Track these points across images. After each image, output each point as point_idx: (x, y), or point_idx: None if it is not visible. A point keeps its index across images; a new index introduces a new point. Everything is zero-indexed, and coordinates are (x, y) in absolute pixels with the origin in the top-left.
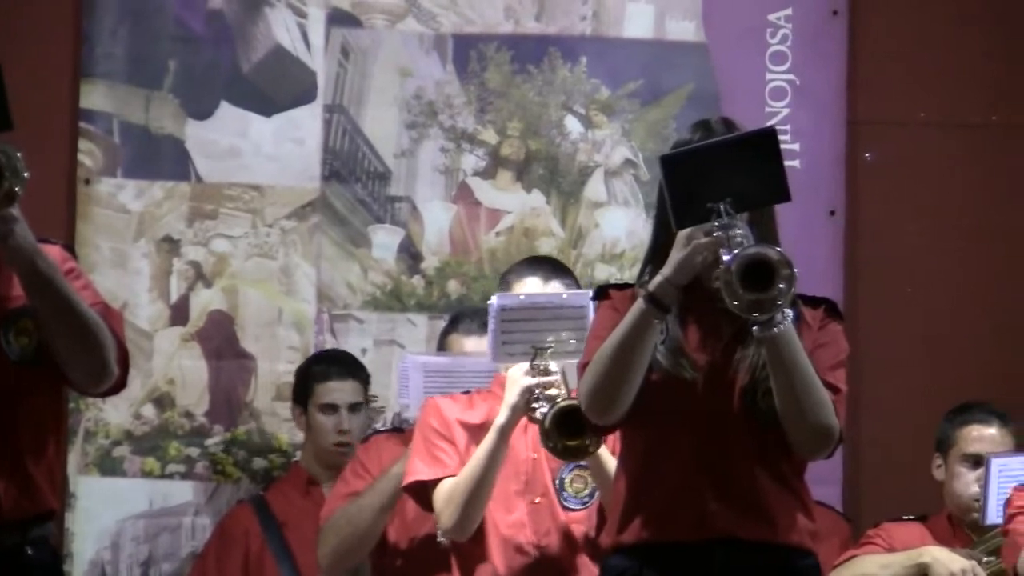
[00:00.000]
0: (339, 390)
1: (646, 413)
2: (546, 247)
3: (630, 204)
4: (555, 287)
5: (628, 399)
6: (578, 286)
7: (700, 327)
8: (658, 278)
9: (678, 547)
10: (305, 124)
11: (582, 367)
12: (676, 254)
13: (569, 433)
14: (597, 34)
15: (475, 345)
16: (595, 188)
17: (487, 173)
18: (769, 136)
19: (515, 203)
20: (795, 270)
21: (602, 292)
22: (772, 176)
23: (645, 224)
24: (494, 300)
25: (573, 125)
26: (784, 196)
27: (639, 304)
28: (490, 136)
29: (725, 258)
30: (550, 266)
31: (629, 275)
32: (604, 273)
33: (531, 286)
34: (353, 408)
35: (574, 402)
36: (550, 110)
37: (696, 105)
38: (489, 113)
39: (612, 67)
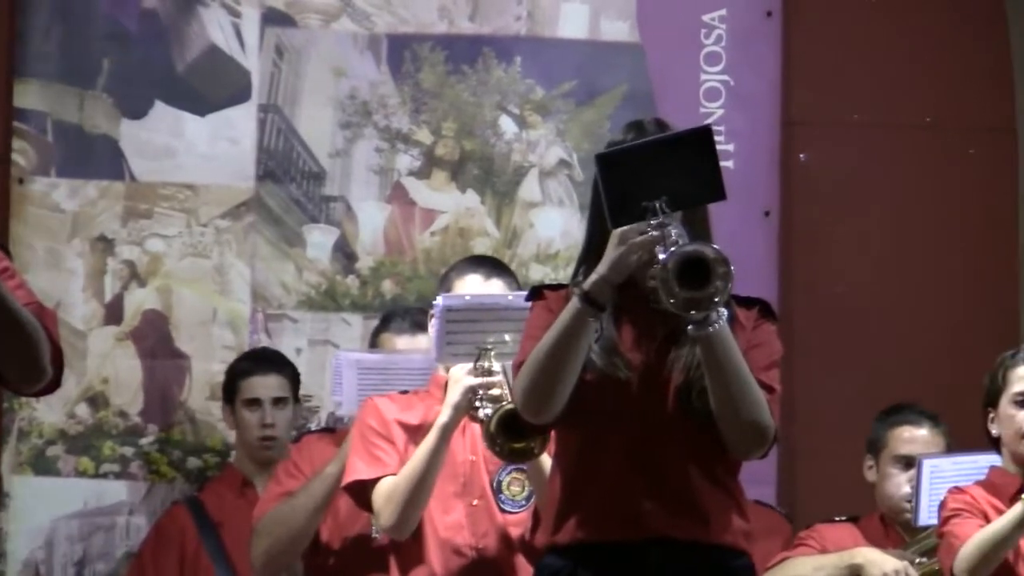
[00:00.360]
0: (262, 385)
1: (580, 413)
2: (481, 247)
3: (564, 204)
4: (496, 285)
5: (563, 398)
6: (518, 284)
7: (634, 327)
8: (593, 277)
9: (612, 547)
10: (239, 124)
11: (517, 366)
12: (611, 253)
13: (515, 436)
14: (532, 34)
15: (406, 344)
16: (530, 188)
17: (422, 173)
18: (705, 135)
19: (450, 203)
20: (732, 268)
21: (536, 292)
22: (708, 175)
23: (580, 224)
24: (439, 301)
25: (508, 125)
26: (720, 195)
27: (574, 303)
28: (424, 136)
29: (661, 256)
30: (491, 264)
31: (563, 275)
32: (538, 273)
33: (472, 283)
34: (277, 403)
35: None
36: (484, 110)
37: (630, 105)
38: (423, 113)
39: (547, 67)
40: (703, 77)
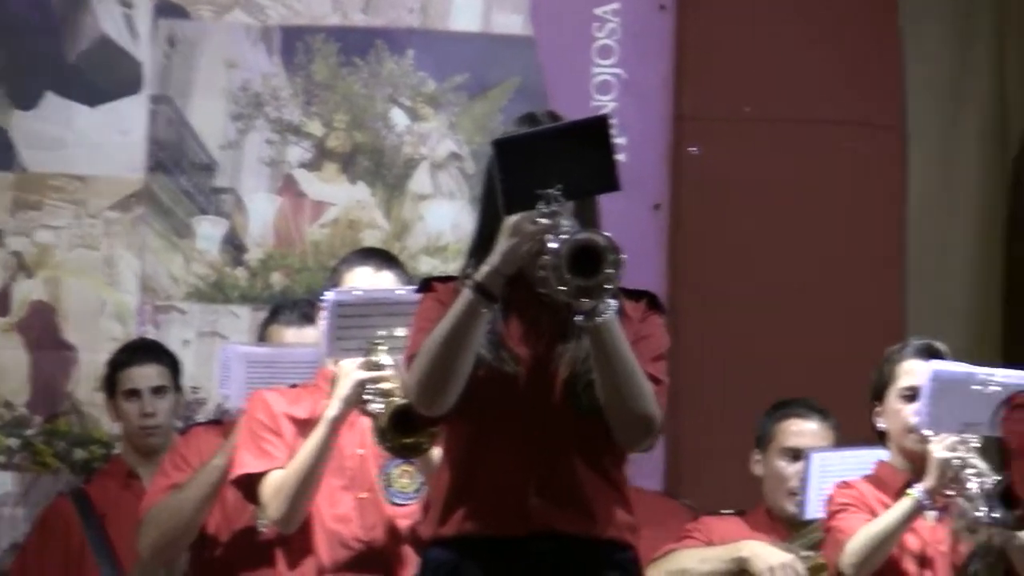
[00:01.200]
0: (140, 375)
1: (469, 407)
2: (370, 239)
3: (455, 197)
4: (386, 277)
5: (457, 390)
6: (408, 277)
7: (522, 321)
8: (485, 267)
9: (498, 541)
10: (130, 115)
11: (408, 359)
12: (503, 243)
13: (405, 431)
14: (424, 27)
15: (295, 336)
16: (420, 181)
17: (312, 165)
18: (601, 124)
19: (340, 195)
20: (623, 256)
21: (426, 284)
22: (603, 165)
23: (470, 217)
24: (329, 295)
25: (399, 118)
26: (614, 185)
27: (466, 294)
28: (316, 128)
29: (552, 245)
30: (381, 257)
31: (453, 268)
32: (428, 266)
33: (362, 276)
34: (157, 392)
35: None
36: (376, 102)
37: (523, 98)
38: (315, 105)
39: (439, 60)
40: (595, 70)
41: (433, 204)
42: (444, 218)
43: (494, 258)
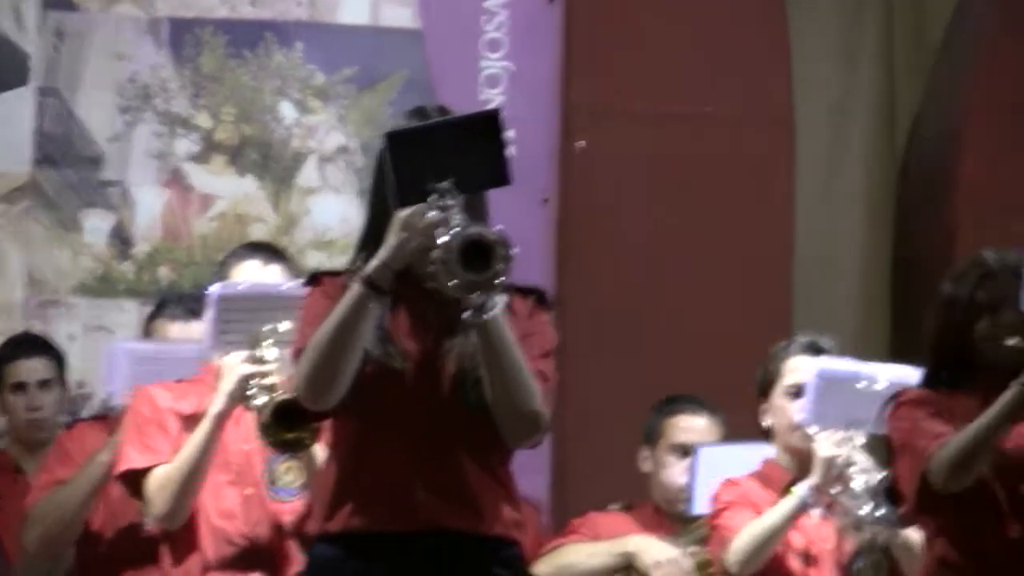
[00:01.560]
0: (26, 369)
1: (356, 402)
2: (258, 233)
3: (343, 191)
4: (274, 271)
5: (344, 385)
6: (296, 271)
7: (410, 316)
8: (375, 262)
9: (385, 537)
10: (17, 107)
11: (296, 352)
12: (393, 238)
13: (287, 426)
14: (313, 20)
15: (180, 331)
16: (308, 174)
17: (201, 158)
18: (494, 119)
19: (228, 188)
20: (513, 250)
21: (314, 278)
22: (495, 159)
23: (358, 211)
24: (214, 290)
25: (288, 111)
26: (506, 180)
27: (356, 288)
28: (204, 121)
29: (444, 239)
30: (269, 251)
31: (341, 262)
32: (315, 260)
33: (250, 269)
34: (43, 385)
35: (292, 395)
36: (265, 95)
37: (411, 92)
38: (203, 98)
39: (327, 53)
40: (484, 63)
41: (321, 198)
42: (332, 212)
43: (384, 252)
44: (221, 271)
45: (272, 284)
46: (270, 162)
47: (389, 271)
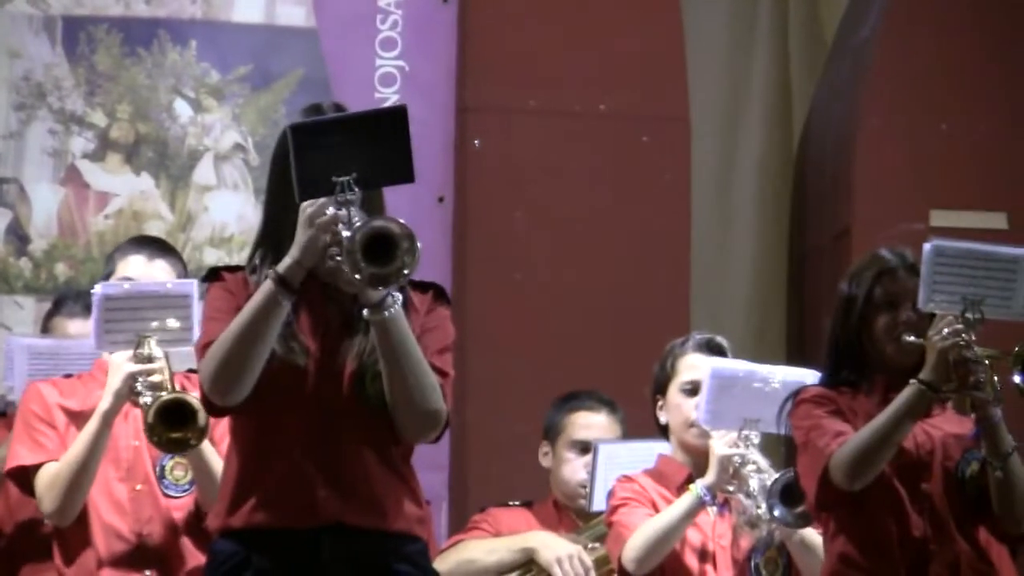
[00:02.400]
0: None
1: (258, 398)
2: (155, 230)
3: (240, 188)
4: (159, 265)
5: (252, 380)
6: (183, 265)
7: (311, 313)
8: (287, 260)
9: (287, 533)
10: None
11: (202, 348)
12: (302, 235)
13: (173, 425)
14: (207, 18)
15: (79, 328)
16: (204, 172)
17: (96, 156)
18: (400, 115)
19: (124, 186)
20: (418, 243)
21: (214, 274)
22: (399, 156)
23: (255, 208)
24: (97, 289)
25: (183, 109)
26: (409, 176)
27: (267, 286)
28: (99, 119)
29: (346, 233)
30: (156, 245)
31: (238, 259)
32: (213, 257)
33: (135, 264)
34: None
35: (178, 395)
36: (159, 93)
37: (306, 90)
38: (98, 96)
39: (222, 51)
40: (378, 62)
41: (217, 195)
42: (229, 209)
43: (295, 251)
44: (107, 266)
45: (158, 283)
46: (166, 160)
47: (300, 269)
